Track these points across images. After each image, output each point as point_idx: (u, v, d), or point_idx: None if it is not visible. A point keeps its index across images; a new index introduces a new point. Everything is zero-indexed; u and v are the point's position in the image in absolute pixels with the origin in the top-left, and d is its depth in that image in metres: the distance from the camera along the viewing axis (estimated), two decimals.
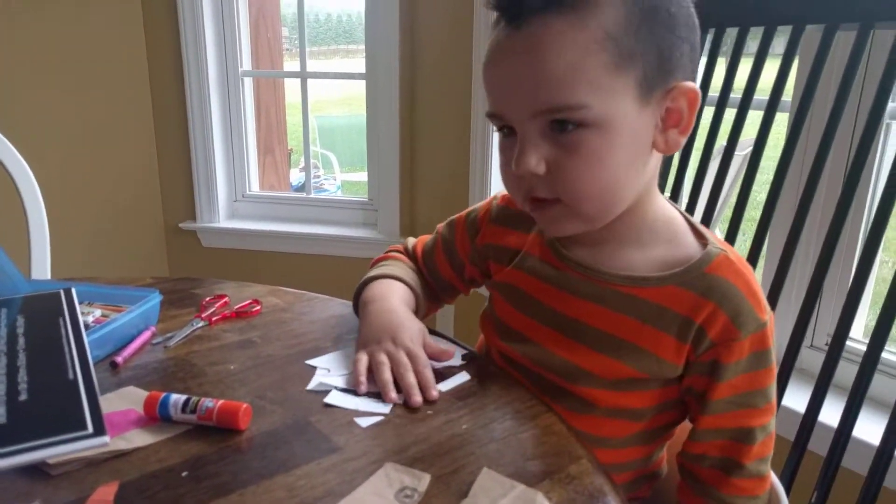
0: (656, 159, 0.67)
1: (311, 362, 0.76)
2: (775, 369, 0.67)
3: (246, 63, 2.38)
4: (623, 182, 0.64)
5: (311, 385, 0.71)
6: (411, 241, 0.95)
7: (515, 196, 0.69)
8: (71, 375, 0.45)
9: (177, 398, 0.62)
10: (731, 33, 0.97)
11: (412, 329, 0.75)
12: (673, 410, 0.73)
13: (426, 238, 0.93)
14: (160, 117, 2.35)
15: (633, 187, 0.65)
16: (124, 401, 0.66)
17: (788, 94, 0.94)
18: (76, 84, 2.23)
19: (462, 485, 0.54)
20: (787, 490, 0.79)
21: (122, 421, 0.61)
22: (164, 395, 0.63)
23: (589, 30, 0.58)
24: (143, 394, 0.66)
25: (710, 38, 0.99)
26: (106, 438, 0.40)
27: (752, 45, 0.97)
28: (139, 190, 2.39)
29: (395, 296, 0.82)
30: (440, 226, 0.91)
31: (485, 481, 0.54)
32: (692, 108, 0.63)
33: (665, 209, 0.71)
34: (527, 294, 0.75)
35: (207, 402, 0.62)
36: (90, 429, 0.40)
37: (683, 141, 0.65)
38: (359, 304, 0.84)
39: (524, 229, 0.78)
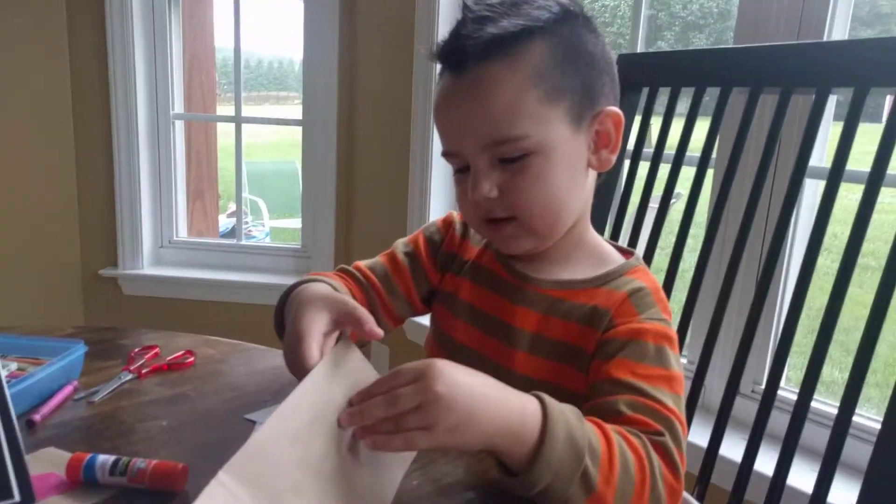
0: (591, 182, 0.75)
1: (250, 417, 0.73)
2: (677, 378, 0.66)
3: (178, 106, 2.32)
4: (566, 198, 0.71)
5: None
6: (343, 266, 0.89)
7: (472, 222, 0.76)
8: None
9: (104, 459, 0.58)
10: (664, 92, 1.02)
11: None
12: None
13: (364, 262, 0.87)
14: (83, 157, 2.26)
15: (575, 204, 0.73)
16: (43, 463, 0.60)
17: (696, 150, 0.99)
18: None
19: None
20: None
21: (42, 486, 0.56)
22: (89, 456, 0.58)
23: (522, 70, 0.66)
24: (64, 455, 0.60)
25: (643, 97, 1.04)
26: None
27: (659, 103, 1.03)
28: (56, 233, 2.27)
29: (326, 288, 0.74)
30: (385, 252, 0.88)
31: None
32: (618, 130, 0.72)
33: (595, 236, 0.79)
34: (469, 304, 0.80)
35: (139, 463, 0.58)
36: (16, 496, 0.36)
37: (614, 159, 0.73)
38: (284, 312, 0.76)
39: (475, 242, 0.85)
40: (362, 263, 0.87)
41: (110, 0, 2.11)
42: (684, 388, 0.67)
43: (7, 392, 0.47)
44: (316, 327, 0.62)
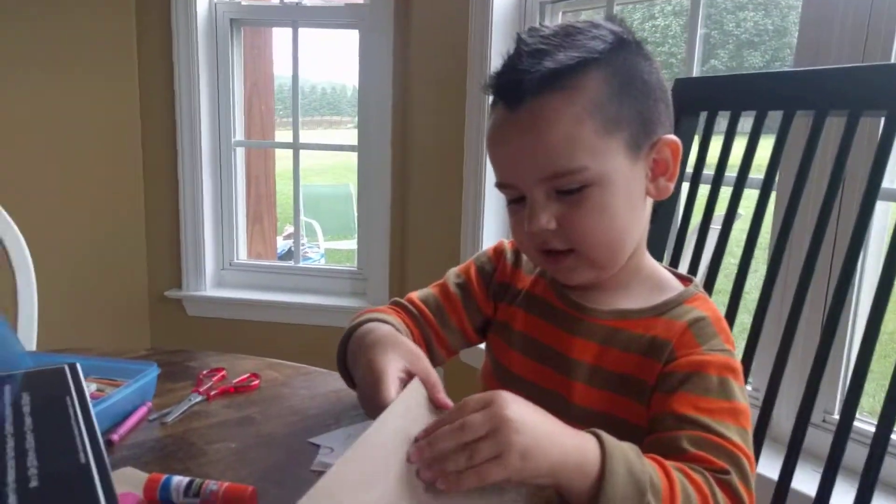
0: (649, 209, 0.74)
1: (313, 440, 0.74)
2: (742, 411, 0.64)
3: (239, 133, 2.41)
4: (626, 228, 0.70)
5: (315, 465, 0.69)
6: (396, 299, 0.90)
7: (528, 252, 0.75)
8: (83, 459, 0.43)
9: (179, 480, 0.60)
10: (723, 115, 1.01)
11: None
12: None
13: (417, 294, 0.88)
14: (151, 183, 2.36)
15: (634, 234, 0.72)
16: (122, 483, 0.62)
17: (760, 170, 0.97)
18: (68, 148, 2.24)
19: None
20: None
21: None
22: (165, 477, 0.60)
23: (578, 104, 0.66)
24: (141, 475, 0.63)
25: (703, 119, 1.03)
26: None
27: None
28: (125, 256, 2.37)
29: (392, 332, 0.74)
30: (437, 283, 0.89)
31: None
32: (675, 157, 0.72)
33: (652, 263, 0.78)
34: (524, 334, 0.79)
35: (212, 485, 0.59)
36: None
37: (672, 187, 0.73)
38: (347, 354, 0.76)
39: (528, 271, 0.84)
40: (415, 295, 0.87)
41: (177, 31, 2.22)
42: (751, 418, 0.66)
43: (93, 414, 0.49)
44: (393, 368, 0.63)
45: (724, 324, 0.71)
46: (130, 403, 0.77)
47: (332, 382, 0.92)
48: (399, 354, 0.66)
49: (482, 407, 0.53)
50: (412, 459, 0.53)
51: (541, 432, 0.53)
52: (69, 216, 2.26)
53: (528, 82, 0.65)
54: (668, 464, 0.57)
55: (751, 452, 0.62)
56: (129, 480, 0.63)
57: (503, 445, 0.51)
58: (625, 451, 0.56)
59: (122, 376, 0.83)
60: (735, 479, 0.58)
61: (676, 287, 0.75)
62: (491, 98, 0.71)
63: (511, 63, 0.68)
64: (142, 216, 2.37)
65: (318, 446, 0.73)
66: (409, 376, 0.63)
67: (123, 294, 2.39)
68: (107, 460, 0.44)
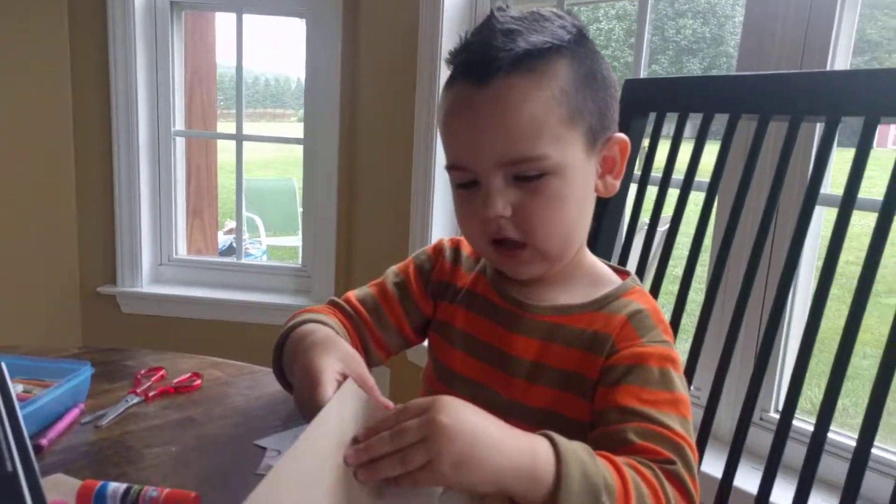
0: (593, 207, 0.75)
1: (259, 443, 0.72)
2: (683, 401, 0.65)
3: (179, 123, 2.32)
4: (577, 222, 0.71)
5: (262, 469, 0.66)
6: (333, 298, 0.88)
7: (478, 241, 0.72)
8: (9, 467, 0.40)
9: (115, 487, 0.57)
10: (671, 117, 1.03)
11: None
12: None
13: (355, 293, 0.86)
14: (83, 173, 2.25)
15: (582, 228, 0.73)
16: (52, 491, 0.59)
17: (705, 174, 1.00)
18: None
19: None
20: None
21: None
22: (99, 484, 0.57)
23: (548, 89, 0.65)
24: (73, 482, 0.59)
25: (651, 121, 1.05)
26: None
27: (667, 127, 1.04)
28: (55, 250, 2.26)
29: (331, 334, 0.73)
30: (375, 281, 0.87)
31: None
32: (623, 156, 0.73)
33: (590, 257, 0.79)
34: (465, 332, 0.78)
35: (151, 492, 0.56)
36: None
37: (618, 185, 0.74)
38: (283, 355, 0.75)
39: (468, 269, 0.83)
40: (352, 294, 0.85)
41: (113, 16, 2.11)
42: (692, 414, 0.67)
43: (21, 418, 0.46)
44: (330, 371, 0.62)
45: (662, 315, 0.73)
46: (61, 405, 0.73)
47: (277, 383, 0.89)
48: (336, 357, 0.65)
49: (421, 412, 0.52)
50: (349, 462, 0.53)
51: (481, 439, 0.52)
52: None
53: (501, 60, 0.63)
54: (619, 460, 0.58)
55: (692, 441, 0.63)
56: (61, 488, 0.59)
57: (433, 453, 0.50)
58: (578, 454, 0.55)
59: (52, 376, 0.78)
60: (680, 468, 0.59)
61: (614, 281, 0.76)
62: (447, 77, 0.69)
63: (483, 39, 0.66)
64: (73, 207, 2.26)
65: (264, 449, 0.70)
66: (345, 379, 0.62)
67: (53, 290, 2.28)
68: (36, 467, 0.41)
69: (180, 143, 2.35)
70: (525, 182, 0.66)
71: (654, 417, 0.62)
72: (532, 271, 0.72)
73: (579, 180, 0.69)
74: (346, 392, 0.58)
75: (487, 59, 0.64)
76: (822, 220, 1.25)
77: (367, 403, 0.58)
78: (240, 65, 2.29)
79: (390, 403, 0.61)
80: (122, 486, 0.57)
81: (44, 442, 0.67)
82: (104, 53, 2.14)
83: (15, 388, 0.75)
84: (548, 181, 0.66)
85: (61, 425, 0.71)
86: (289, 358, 0.72)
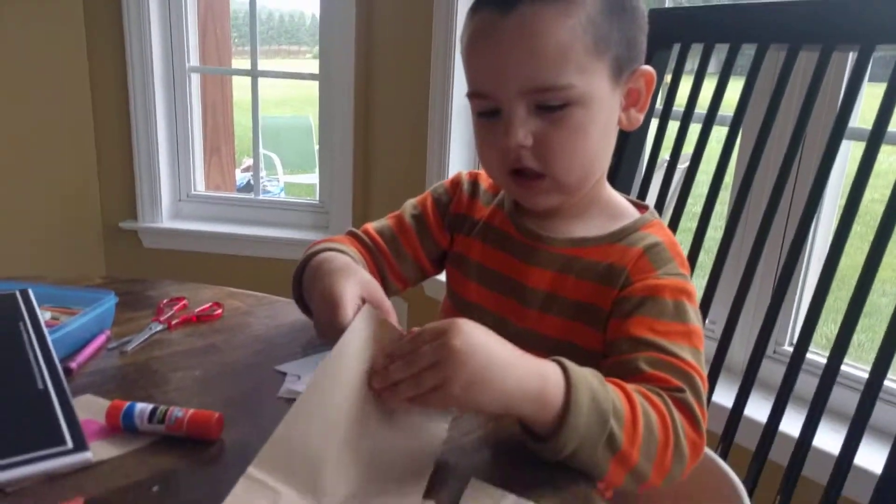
0: (615, 140, 0.73)
1: (280, 368, 0.73)
2: (696, 332, 0.66)
3: (193, 59, 2.30)
4: (599, 155, 0.70)
5: (282, 392, 0.68)
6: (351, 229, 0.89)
7: (497, 171, 0.72)
8: (41, 385, 0.41)
9: (143, 407, 0.59)
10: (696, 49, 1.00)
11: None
12: None
13: (373, 224, 0.87)
14: (100, 112, 2.24)
15: (603, 161, 0.72)
16: (82, 411, 0.60)
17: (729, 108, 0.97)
18: (12, 76, 2.10)
19: (450, 496, 0.53)
20: (750, 495, 0.81)
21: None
22: (128, 404, 0.59)
23: (575, 16, 0.64)
24: (102, 403, 0.61)
25: (675, 53, 1.02)
26: (89, 455, 0.37)
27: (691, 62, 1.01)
28: (77, 187, 2.28)
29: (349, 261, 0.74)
30: (393, 214, 0.88)
31: (474, 492, 0.53)
32: (649, 89, 0.71)
33: (609, 191, 0.78)
34: (480, 264, 0.79)
35: (176, 412, 0.58)
36: (70, 444, 0.36)
37: (642, 118, 0.72)
38: (302, 282, 0.76)
39: (485, 202, 0.83)
40: (371, 226, 0.86)
41: None
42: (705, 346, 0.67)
43: (50, 342, 0.47)
44: (350, 294, 0.63)
45: (679, 248, 0.72)
46: (88, 332, 0.75)
47: (296, 312, 0.90)
48: (355, 281, 0.66)
49: (435, 336, 0.53)
50: (375, 388, 0.55)
51: (493, 361, 0.53)
52: (17, 146, 2.15)
53: None
54: (629, 387, 0.59)
55: (703, 372, 0.64)
56: (90, 408, 0.61)
57: (445, 376, 0.52)
58: (588, 379, 0.56)
59: (78, 304, 0.80)
60: (689, 396, 0.60)
61: (633, 214, 0.76)
62: (471, 4, 0.69)
63: None
64: (92, 144, 2.26)
65: (284, 374, 0.72)
66: (364, 303, 0.63)
67: (77, 225, 2.31)
68: (66, 387, 0.43)
69: (196, 80, 2.33)
70: (548, 112, 0.66)
71: (665, 348, 0.63)
72: (549, 202, 0.72)
73: (603, 112, 0.68)
74: (365, 316, 0.59)
75: None
76: (849, 156, 1.22)
77: (385, 327, 0.59)
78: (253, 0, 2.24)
79: (403, 331, 0.62)
80: (149, 406, 0.59)
81: (73, 365, 0.69)
82: None
83: (43, 315, 0.78)
84: (571, 111, 0.66)
85: (89, 350, 0.73)
86: (308, 283, 0.73)
